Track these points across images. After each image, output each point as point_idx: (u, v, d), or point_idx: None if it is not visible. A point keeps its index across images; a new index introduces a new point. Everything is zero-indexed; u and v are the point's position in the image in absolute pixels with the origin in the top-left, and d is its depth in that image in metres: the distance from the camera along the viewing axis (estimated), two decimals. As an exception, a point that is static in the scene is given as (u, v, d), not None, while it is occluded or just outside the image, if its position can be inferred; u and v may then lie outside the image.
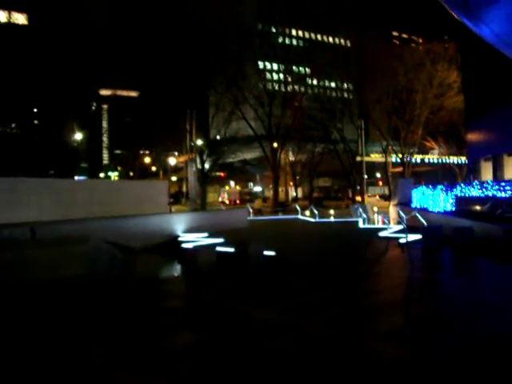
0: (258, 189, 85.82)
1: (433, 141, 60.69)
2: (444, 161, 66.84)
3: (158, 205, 27.21)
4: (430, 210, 24.50)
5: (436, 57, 49.07)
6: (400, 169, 58.34)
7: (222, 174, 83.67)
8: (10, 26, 79.03)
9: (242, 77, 53.17)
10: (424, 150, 66.04)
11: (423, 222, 18.81)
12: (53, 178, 24.40)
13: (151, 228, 21.69)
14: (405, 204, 31.23)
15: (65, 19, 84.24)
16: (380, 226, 25.13)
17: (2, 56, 73.16)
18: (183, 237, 21.66)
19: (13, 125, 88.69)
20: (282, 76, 64.25)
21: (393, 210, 32.85)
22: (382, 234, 20.17)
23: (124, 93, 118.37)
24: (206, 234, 22.18)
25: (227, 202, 73.12)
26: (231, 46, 55.34)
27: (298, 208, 34.87)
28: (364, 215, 26.02)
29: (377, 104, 52.06)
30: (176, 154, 69.17)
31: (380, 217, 31.61)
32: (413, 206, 29.64)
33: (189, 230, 23.25)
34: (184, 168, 73.57)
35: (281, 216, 36.41)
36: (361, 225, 25.49)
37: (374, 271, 12.62)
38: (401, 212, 23.13)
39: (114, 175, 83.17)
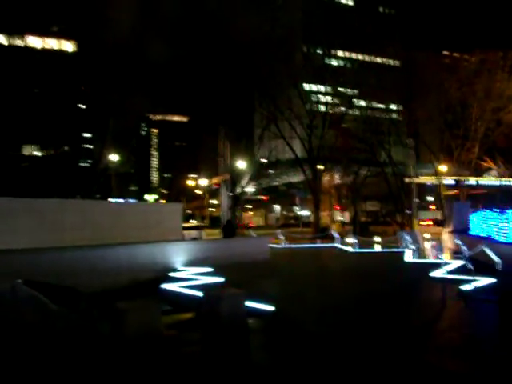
0: (304, 213, 79.83)
1: (490, 160, 53.36)
2: (503, 183, 59.02)
3: (167, 230, 22.28)
4: (499, 239, 18.43)
5: (493, 67, 42.44)
6: (454, 191, 51.53)
7: (264, 198, 78.62)
8: (60, 53, 77.02)
9: (284, 96, 48.34)
10: (480, 171, 58.54)
11: (495, 258, 12.91)
12: (36, 198, 19.79)
13: (141, 260, 16.76)
14: (461, 231, 25.36)
15: (116, 47, 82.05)
16: (431, 259, 19.19)
17: (51, 81, 70.34)
18: (178, 272, 16.51)
19: (65, 147, 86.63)
20: (324, 97, 58.87)
21: (447, 239, 26.78)
22: (434, 273, 14.35)
23: (174, 118, 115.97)
24: (209, 269, 17.03)
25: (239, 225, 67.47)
26: (275, 66, 51.02)
27: (336, 235, 29.11)
28: (412, 246, 20.09)
29: (427, 121, 45.86)
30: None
31: (432, 247, 25.63)
32: (472, 233, 23.73)
33: (192, 263, 18.15)
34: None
35: (317, 244, 30.65)
36: (407, 257, 19.60)
37: (427, 359, 6.91)
38: (461, 243, 17.26)
39: (152, 198, 79.43)
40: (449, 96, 43.48)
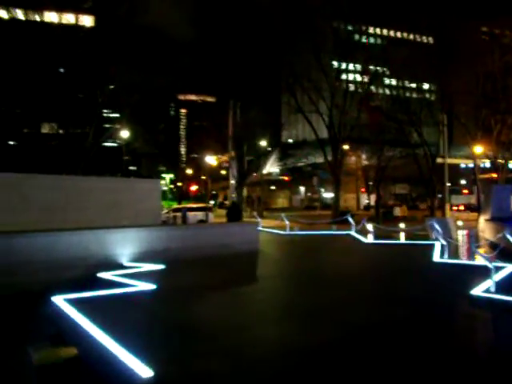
0: (328, 195, 73.64)
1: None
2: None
3: (141, 212, 17.32)
4: None
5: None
6: (490, 175, 45.01)
7: (286, 179, 72.98)
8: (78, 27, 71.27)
9: (305, 67, 42.70)
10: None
11: None
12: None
13: (70, 253, 11.78)
14: (503, 220, 19.76)
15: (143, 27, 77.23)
16: (467, 260, 13.53)
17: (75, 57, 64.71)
18: (113, 271, 11.44)
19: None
20: (348, 74, 52.69)
21: (486, 228, 21.11)
22: (476, 289, 8.84)
23: (202, 98, 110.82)
24: (160, 267, 12.08)
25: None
26: (303, 44, 45.58)
27: (351, 221, 23.44)
28: (443, 240, 14.34)
29: (464, 94, 39.15)
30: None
31: (466, 238, 20.07)
32: None
33: (145, 256, 13.08)
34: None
35: (331, 231, 24.96)
36: (436, 256, 13.95)
37: None
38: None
39: (168, 177, 74.47)
40: (488, 65, 36.83)
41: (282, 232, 23.64)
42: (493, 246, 15.04)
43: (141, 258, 13.00)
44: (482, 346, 6.28)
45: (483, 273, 9.53)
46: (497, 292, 8.55)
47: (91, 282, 10.11)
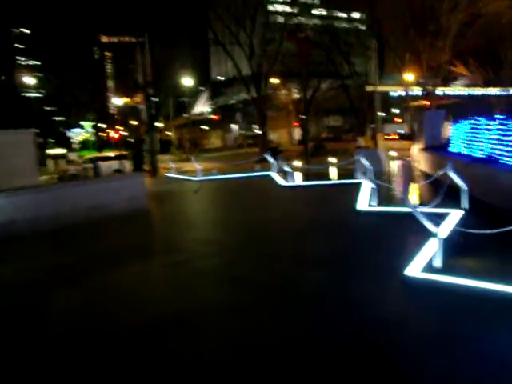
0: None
1: (462, 65, 43.55)
2: (474, 92, 49.52)
3: (10, 170, 13.13)
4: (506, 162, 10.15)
5: None
6: (420, 102, 42.56)
7: (214, 117, 68.45)
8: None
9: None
10: (449, 78, 48.63)
11: None
12: None
13: None
14: (438, 148, 17.27)
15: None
16: (400, 207, 9.95)
17: None
18: None
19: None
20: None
21: (422, 158, 18.47)
22: (414, 266, 5.63)
23: (127, 39, 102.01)
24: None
25: None
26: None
27: (271, 160, 19.97)
28: (370, 183, 10.93)
29: (392, 19, 35.63)
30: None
31: (400, 171, 17.11)
32: (454, 151, 15.64)
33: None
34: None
35: (252, 172, 21.42)
36: (362, 203, 10.67)
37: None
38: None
39: (87, 125, 68.06)
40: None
41: (193, 178, 20.01)
42: (435, 183, 11.85)
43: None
44: None
45: (421, 227, 6.29)
46: (445, 270, 5.39)
47: None
